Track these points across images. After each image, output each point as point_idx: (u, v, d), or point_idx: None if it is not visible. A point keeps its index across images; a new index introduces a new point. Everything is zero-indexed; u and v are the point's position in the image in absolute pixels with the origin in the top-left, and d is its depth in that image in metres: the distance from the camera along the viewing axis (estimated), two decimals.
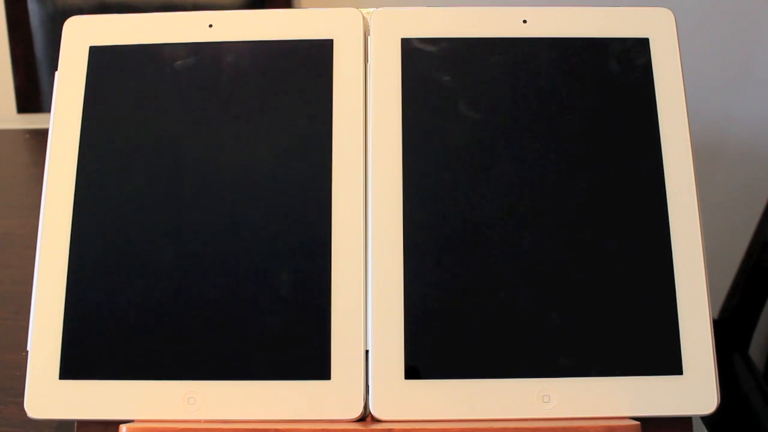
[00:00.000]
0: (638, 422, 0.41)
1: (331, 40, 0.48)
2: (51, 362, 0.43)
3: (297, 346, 0.43)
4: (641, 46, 0.47)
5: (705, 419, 0.46)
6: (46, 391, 0.43)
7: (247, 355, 0.43)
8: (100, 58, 0.48)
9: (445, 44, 0.48)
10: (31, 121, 1.10)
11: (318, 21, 0.48)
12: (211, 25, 0.48)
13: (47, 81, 1.18)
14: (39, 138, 0.94)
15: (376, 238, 0.44)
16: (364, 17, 0.48)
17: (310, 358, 0.43)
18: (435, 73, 0.47)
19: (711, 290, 0.44)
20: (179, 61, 0.48)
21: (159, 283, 0.44)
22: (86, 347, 0.44)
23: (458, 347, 0.43)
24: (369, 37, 0.48)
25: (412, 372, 0.43)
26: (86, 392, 0.43)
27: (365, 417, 0.43)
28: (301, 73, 0.47)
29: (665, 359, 0.43)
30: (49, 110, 0.78)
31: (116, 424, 0.42)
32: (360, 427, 0.42)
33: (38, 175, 0.50)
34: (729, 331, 0.99)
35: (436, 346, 0.43)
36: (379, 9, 0.48)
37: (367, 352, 0.43)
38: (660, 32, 0.48)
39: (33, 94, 1.19)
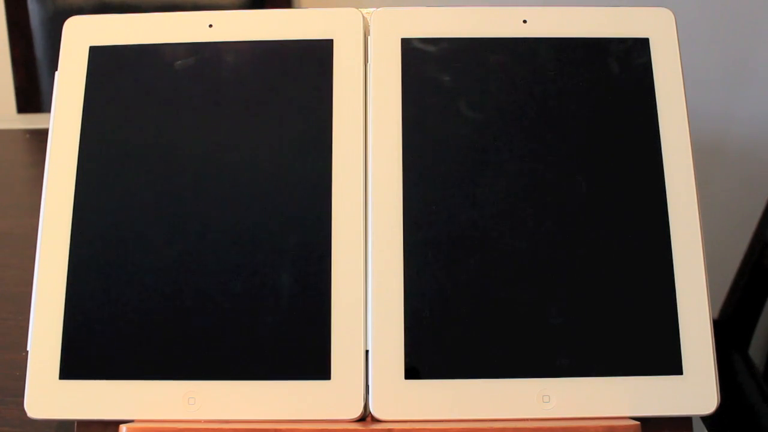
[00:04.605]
0: (638, 422, 0.41)
1: (331, 40, 0.48)
2: (51, 362, 0.43)
3: (297, 346, 0.43)
4: (641, 46, 0.47)
5: (705, 419, 0.46)
6: (46, 391, 0.43)
7: (247, 355, 0.43)
8: (100, 58, 0.48)
9: (445, 44, 0.48)
10: (31, 121, 1.10)
11: (318, 21, 0.48)
12: (211, 25, 0.48)
13: (47, 81, 1.18)
14: (39, 138, 0.94)
15: (376, 238, 0.44)
16: (364, 17, 0.48)
17: (310, 358, 0.43)
18: (435, 73, 0.47)
19: (711, 290, 0.44)
20: (179, 61, 0.48)
21: (159, 283, 0.44)
22: (86, 347, 0.44)
23: (458, 347, 0.43)
24: (369, 37, 0.48)
25: (412, 372, 0.43)
26: (86, 392, 0.43)
27: (365, 417, 0.43)
28: (301, 73, 0.47)
29: (665, 359, 0.43)
30: (49, 110, 0.78)
31: (116, 424, 0.42)
32: (360, 427, 0.42)
33: (38, 175, 0.50)
34: (729, 331, 0.99)
35: (436, 346, 0.43)
36: (379, 9, 0.48)
37: (367, 352, 0.43)
38: (660, 32, 0.48)
39: (33, 94, 1.19)
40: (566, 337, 0.43)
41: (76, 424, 0.44)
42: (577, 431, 0.41)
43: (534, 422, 0.42)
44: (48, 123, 0.47)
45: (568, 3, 0.50)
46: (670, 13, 0.48)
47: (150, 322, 0.44)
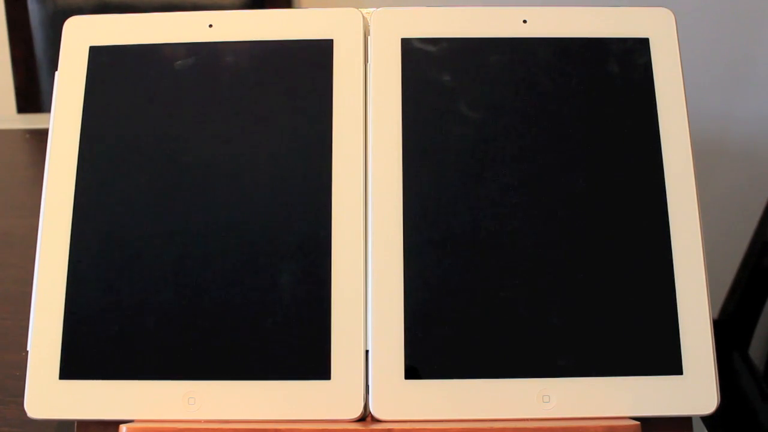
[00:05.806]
0: (638, 422, 0.41)
1: (331, 40, 0.48)
2: (51, 362, 0.43)
3: (297, 345, 0.43)
4: (641, 46, 0.47)
5: (705, 419, 0.46)
6: (46, 391, 0.43)
7: (247, 355, 0.43)
8: (100, 58, 0.48)
9: (445, 44, 0.48)
10: (31, 121, 1.09)
11: (318, 21, 0.48)
12: (211, 25, 0.48)
13: (47, 81, 1.18)
14: (39, 138, 0.94)
15: (376, 238, 0.44)
16: (364, 17, 0.48)
17: (310, 358, 0.43)
18: (435, 73, 0.47)
19: (711, 290, 0.44)
20: (179, 61, 0.48)
21: (159, 282, 0.44)
22: (86, 347, 0.44)
23: (458, 347, 0.43)
24: (369, 37, 0.48)
25: (412, 372, 0.43)
26: (86, 392, 0.43)
27: (365, 417, 0.43)
28: (301, 73, 0.47)
29: (665, 359, 0.43)
30: (49, 110, 0.78)
31: (116, 424, 0.42)
32: (360, 427, 0.42)
33: (38, 175, 0.50)
34: (729, 331, 0.99)
35: (436, 346, 0.43)
36: (379, 9, 0.48)
37: (367, 352, 0.43)
38: (660, 32, 0.48)
39: (33, 94, 1.19)
40: (566, 336, 0.43)
41: (76, 424, 0.44)
42: (577, 431, 0.41)
43: (534, 422, 0.42)
44: (48, 123, 0.47)
45: (568, 3, 0.50)
46: (670, 13, 0.48)
47: (150, 322, 0.44)
